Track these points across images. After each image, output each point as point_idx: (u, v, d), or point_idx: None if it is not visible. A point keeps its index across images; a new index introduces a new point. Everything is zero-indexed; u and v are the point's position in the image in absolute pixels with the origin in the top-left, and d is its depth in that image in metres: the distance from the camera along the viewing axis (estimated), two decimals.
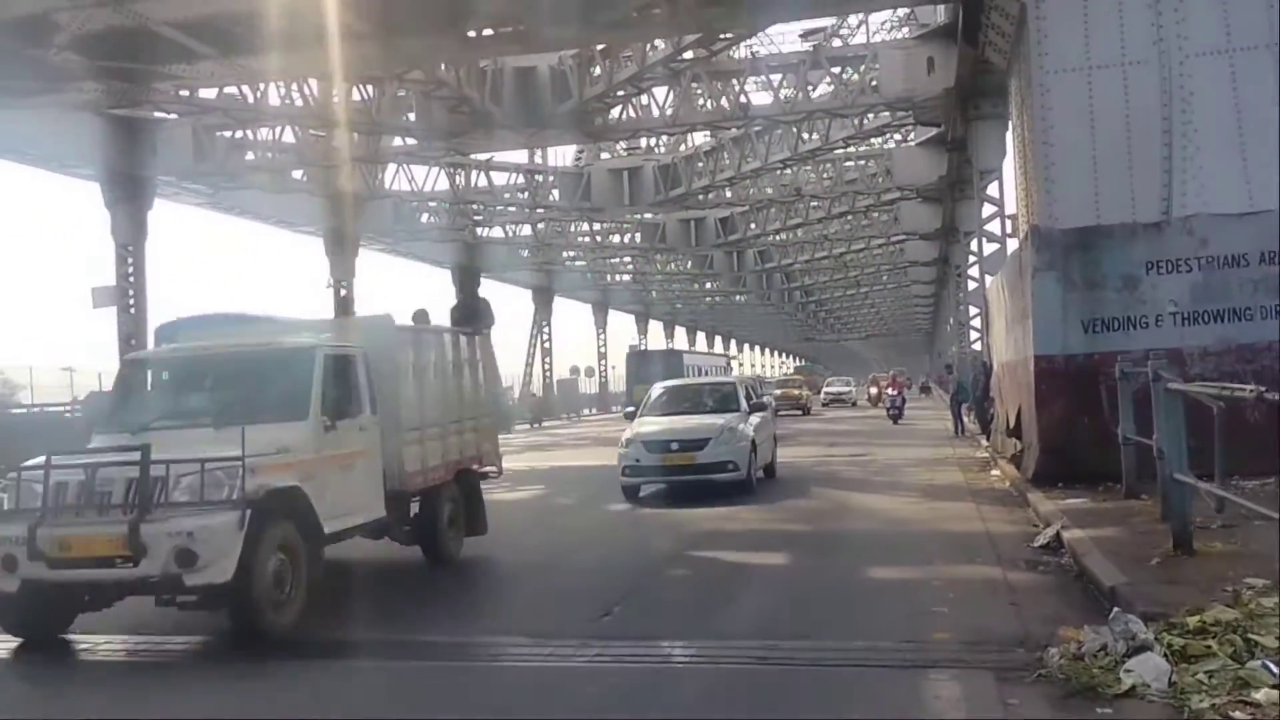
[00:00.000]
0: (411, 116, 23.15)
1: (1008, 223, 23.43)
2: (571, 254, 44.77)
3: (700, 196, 32.99)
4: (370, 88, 21.64)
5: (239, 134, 23.50)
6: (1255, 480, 8.63)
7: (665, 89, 23.91)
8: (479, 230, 37.58)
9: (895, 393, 32.27)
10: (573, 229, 40.40)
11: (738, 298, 62.09)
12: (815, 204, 36.88)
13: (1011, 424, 14.56)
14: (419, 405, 9.28)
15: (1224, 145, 11.94)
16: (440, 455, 9.57)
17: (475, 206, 34.87)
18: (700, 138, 30.31)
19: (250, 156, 24.67)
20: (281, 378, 7.99)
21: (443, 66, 19.50)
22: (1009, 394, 15.29)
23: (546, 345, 49.34)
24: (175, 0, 14.59)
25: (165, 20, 14.34)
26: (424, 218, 34.57)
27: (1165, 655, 5.03)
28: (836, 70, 24.12)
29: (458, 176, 31.91)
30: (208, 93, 19.94)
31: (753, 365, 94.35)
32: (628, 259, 47.81)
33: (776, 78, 24.49)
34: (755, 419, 15.10)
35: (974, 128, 22.30)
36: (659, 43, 19.79)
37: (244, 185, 25.96)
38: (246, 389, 7.98)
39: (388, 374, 8.75)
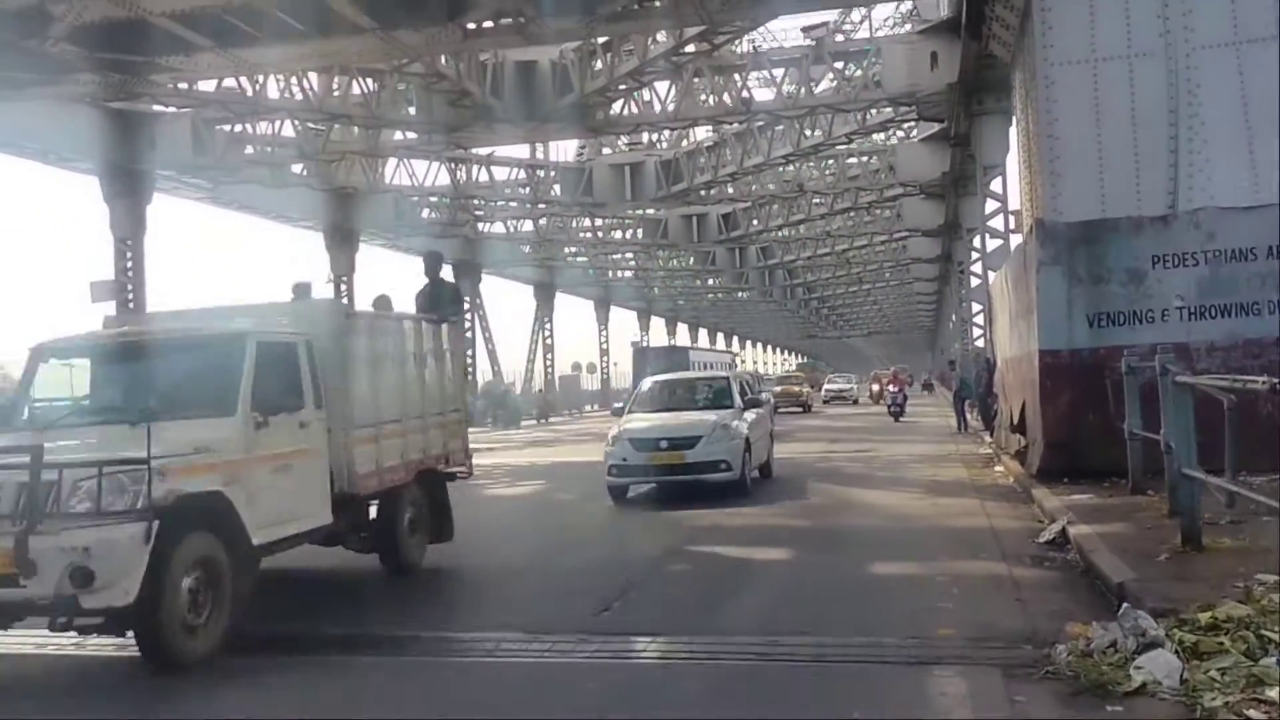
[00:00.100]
0: (412, 110, 23.09)
1: (1011, 218, 23.33)
2: (573, 250, 44.71)
3: (702, 192, 32.94)
4: (370, 81, 21.55)
5: (238, 128, 23.42)
6: (1263, 476, 8.50)
7: (667, 84, 23.83)
8: (480, 225, 37.51)
9: (897, 390, 32.19)
10: (574, 224, 40.35)
11: (740, 294, 62.06)
12: (818, 200, 36.81)
13: (1015, 419, 14.44)
14: (374, 399, 8.43)
15: (1231, 138, 11.83)
16: (399, 454, 8.72)
17: (476, 201, 34.81)
18: (702, 133, 30.20)
19: (250, 150, 24.60)
20: (208, 368, 7.19)
21: (443, 59, 19.40)
22: (1013, 389, 15.18)
23: (548, 341, 49.27)
24: None
25: (162, 11, 14.20)
26: (425, 213, 34.51)
27: (1176, 652, 4.91)
28: (839, 65, 24.01)
29: (459, 171, 31.84)
30: (206, 85, 19.88)
31: (755, 362, 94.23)
32: (629, 255, 47.80)
33: (779, 72, 24.41)
34: (750, 415, 14.47)
35: (977, 123, 22.23)
36: (660, 36, 19.69)
37: (243, 179, 25.88)
38: (170, 381, 7.15)
39: (337, 364, 7.91)
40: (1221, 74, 11.93)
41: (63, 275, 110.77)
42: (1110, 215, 11.90)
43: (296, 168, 26.80)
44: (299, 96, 21.00)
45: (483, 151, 30.56)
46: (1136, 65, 12.18)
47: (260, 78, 20.31)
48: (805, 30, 24.15)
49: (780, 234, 41.93)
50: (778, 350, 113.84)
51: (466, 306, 40.86)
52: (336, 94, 21.39)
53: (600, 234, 41.72)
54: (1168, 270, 11.52)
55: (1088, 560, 7.54)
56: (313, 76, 20.82)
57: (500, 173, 33.11)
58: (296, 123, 23.59)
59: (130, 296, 22.47)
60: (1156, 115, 12.03)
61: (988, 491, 12.87)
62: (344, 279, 30.32)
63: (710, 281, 57.31)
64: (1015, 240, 21.65)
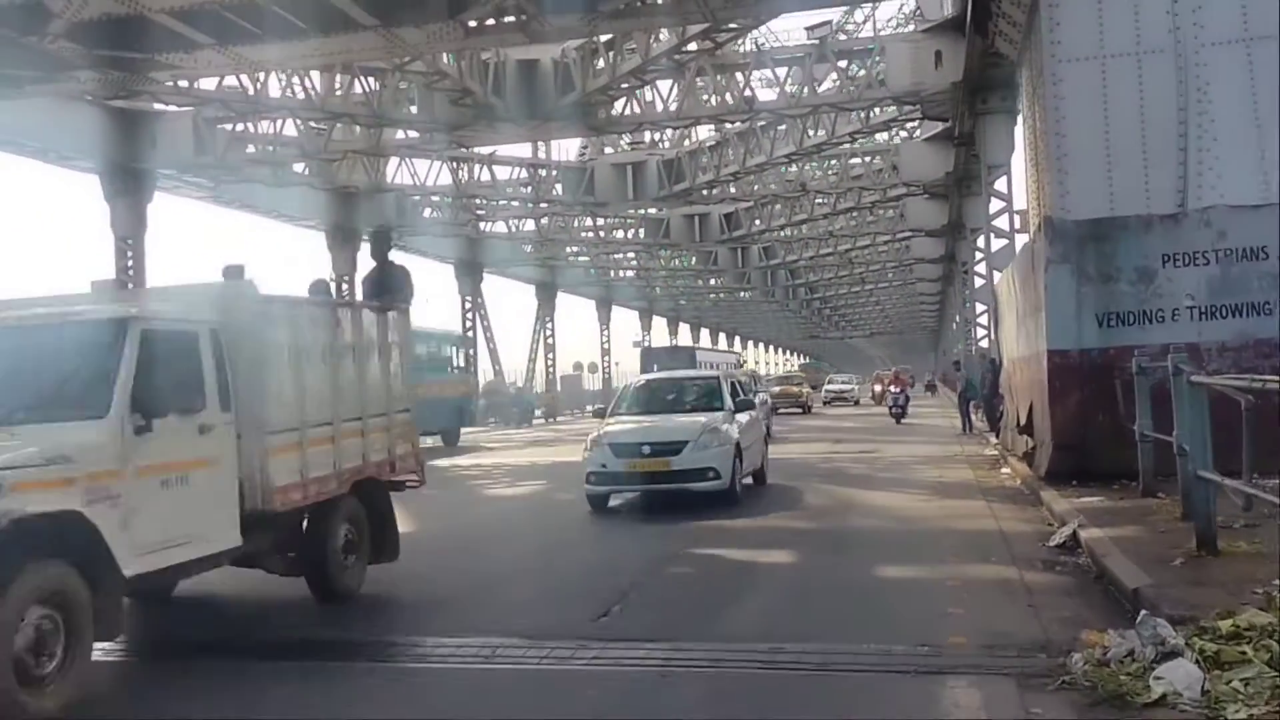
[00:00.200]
0: (414, 109, 22.97)
1: (1016, 218, 23.21)
2: (575, 249, 44.57)
3: (704, 192, 32.80)
4: (372, 80, 21.44)
5: (240, 126, 23.30)
6: (1276, 479, 8.35)
7: (669, 83, 23.68)
8: (482, 225, 37.41)
9: (899, 391, 31.80)
10: (576, 224, 40.23)
11: (742, 294, 61.92)
12: (820, 200, 36.67)
13: (1023, 421, 14.30)
14: (299, 399, 7.26)
15: (1241, 135, 11.68)
16: (331, 463, 7.57)
17: (478, 201, 34.70)
18: (705, 132, 30.06)
19: (251, 149, 24.48)
20: (79, 361, 6.06)
21: (445, 58, 19.29)
22: (1020, 390, 15.03)
23: (550, 341, 49.16)
24: None
25: (161, 8, 14.07)
26: (427, 212, 34.40)
27: (1197, 661, 4.75)
28: (843, 64, 23.86)
29: (460, 171, 31.72)
30: (207, 84, 19.79)
31: (757, 362, 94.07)
32: (631, 254, 47.66)
33: (782, 71, 24.26)
34: (743, 418, 13.49)
35: (982, 122, 22.10)
36: (663, 34, 19.56)
37: (245, 178, 25.78)
38: (32, 376, 6.06)
39: (250, 358, 6.79)
40: (1231, 71, 11.79)
41: (63, 275, 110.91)
42: (1119, 213, 11.76)
43: (298, 167, 26.71)
44: (300, 95, 20.90)
45: (484, 150, 30.42)
46: (1145, 62, 12.04)
47: (261, 76, 20.21)
48: (809, 29, 24.02)
49: (783, 234, 41.77)
50: (780, 351, 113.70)
51: (468, 306, 40.86)
52: (338, 93, 21.28)
53: (602, 233, 41.59)
54: (1178, 269, 11.37)
55: (1100, 565, 7.39)
56: (314, 75, 20.72)
57: (502, 172, 33.03)
58: (298, 121, 23.47)
59: None
60: (1165, 112, 11.89)
61: (995, 493, 12.72)
62: (345, 278, 30.19)
63: (712, 281, 57.17)
64: (1020, 240, 21.55)
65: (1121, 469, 10.48)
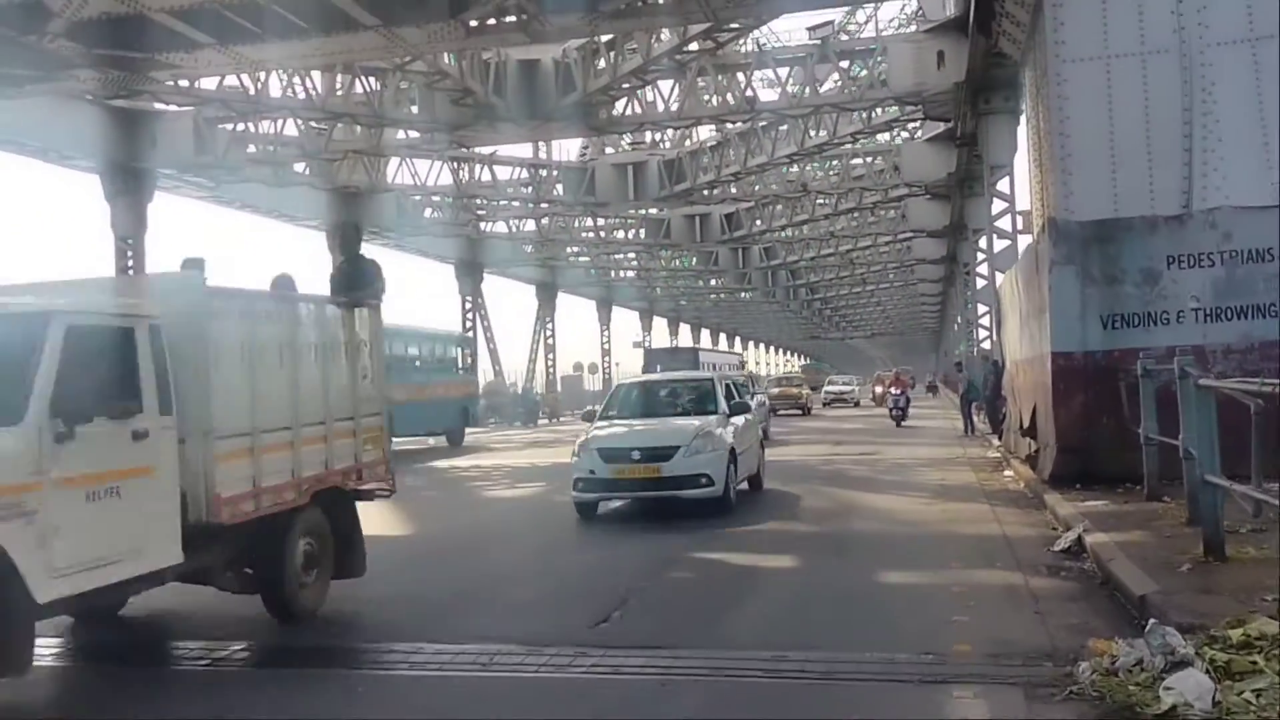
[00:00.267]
0: (414, 109, 22.91)
1: (1018, 219, 23.12)
2: (575, 249, 44.51)
3: (705, 192, 32.75)
4: (373, 80, 21.38)
5: (240, 126, 23.25)
6: None
7: (671, 82, 23.61)
8: (483, 225, 37.36)
9: (899, 392, 31.57)
10: (577, 224, 40.17)
11: (743, 295, 61.85)
12: (822, 200, 36.62)
13: (1026, 423, 14.21)
14: (251, 402, 6.70)
15: (1246, 136, 11.62)
16: (289, 470, 7.01)
17: (479, 201, 34.64)
18: (706, 132, 29.99)
19: (252, 149, 24.44)
20: None
21: (446, 57, 19.23)
22: (1023, 392, 14.95)
23: (550, 341, 49.09)
24: None
25: (161, 7, 14.02)
26: (428, 212, 34.36)
27: (1207, 671, 4.66)
28: (844, 64, 23.78)
29: (461, 171, 31.69)
30: (208, 83, 19.72)
31: (758, 363, 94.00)
32: (632, 255, 47.58)
33: (783, 72, 24.19)
34: (738, 421, 12.96)
35: (984, 122, 22.02)
36: (664, 34, 19.49)
37: (246, 178, 25.69)
38: None
39: (195, 356, 6.24)
40: (1237, 71, 11.72)
41: (64, 274, 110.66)
42: (1123, 214, 11.69)
43: (299, 166, 26.65)
44: (301, 95, 20.85)
45: (485, 151, 30.37)
46: (1150, 62, 11.97)
47: (262, 76, 20.15)
48: (810, 29, 23.95)
49: (784, 234, 41.71)
50: (781, 351, 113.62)
51: (468, 306, 40.79)
52: (339, 92, 21.22)
53: (603, 234, 41.52)
54: (1183, 271, 11.30)
55: (1106, 570, 7.31)
56: (315, 75, 20.68)
57: (503, 172, 33.00)
58: (299, 121, 23.43)
59: None
60: (1170, 113, 11.82)
61: (998, 497, 12.62)
62: None
63: (713, 282, 57.12)
64: (1023, 241, 21.47)
65: (1126, 472, 10.42)
